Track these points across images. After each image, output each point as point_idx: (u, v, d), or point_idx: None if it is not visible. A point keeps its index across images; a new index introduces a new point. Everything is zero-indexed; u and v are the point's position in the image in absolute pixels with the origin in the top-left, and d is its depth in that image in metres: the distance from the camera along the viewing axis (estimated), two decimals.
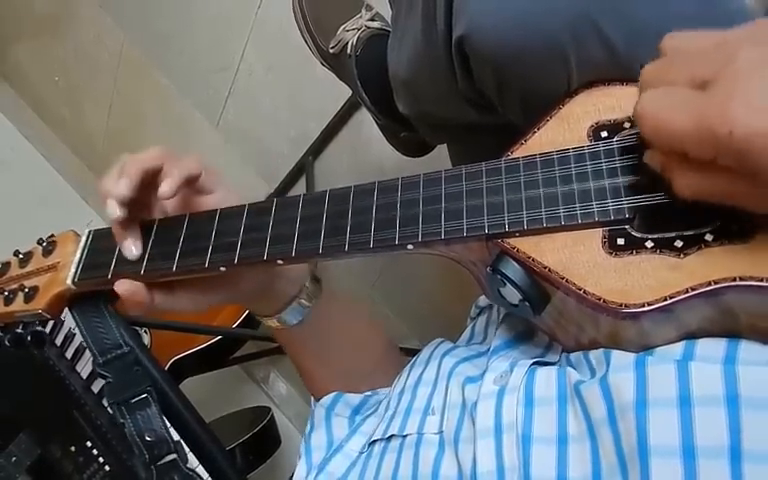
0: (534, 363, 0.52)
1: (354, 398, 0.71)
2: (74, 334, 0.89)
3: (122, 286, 0.56)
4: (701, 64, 0.38)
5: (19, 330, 0.85)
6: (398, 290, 1.66)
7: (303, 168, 1.72)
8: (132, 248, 0.57)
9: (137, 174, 0.55)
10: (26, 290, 0.61)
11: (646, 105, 0.40)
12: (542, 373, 0.50)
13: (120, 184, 0.54)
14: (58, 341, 0.89)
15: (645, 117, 0.40)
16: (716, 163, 0.36)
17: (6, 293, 0.63)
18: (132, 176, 0.55)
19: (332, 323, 0.70)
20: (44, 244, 0.64)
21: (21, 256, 0.65)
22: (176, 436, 0.79)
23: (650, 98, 0.40)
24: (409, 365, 0.66)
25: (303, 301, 0.65)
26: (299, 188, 1.78)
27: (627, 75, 0.51)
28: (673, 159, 0.40)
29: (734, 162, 0.35)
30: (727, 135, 0.34)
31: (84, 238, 0.62)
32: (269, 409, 1.69)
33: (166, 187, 0.55)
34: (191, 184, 0.58)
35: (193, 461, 0.83)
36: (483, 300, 0.74)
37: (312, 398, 0.74)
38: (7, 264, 0.66)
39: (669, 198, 0.43)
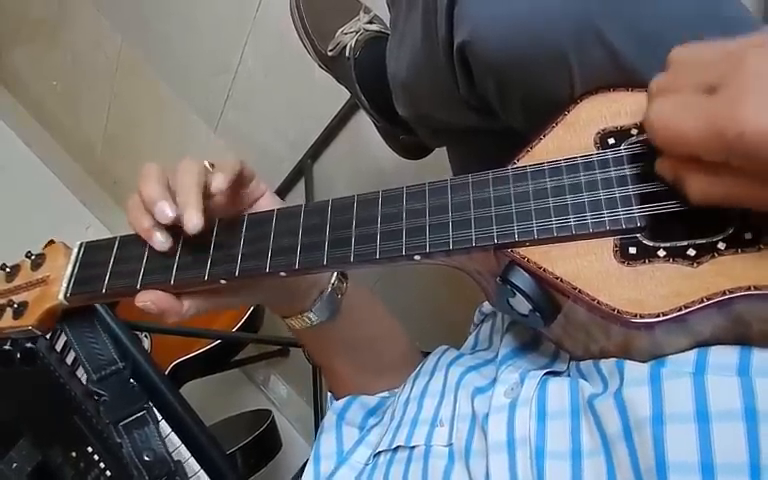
0: (545, 374, 0.51)
1: (370, 400, 0.70)
2: None
3: (145, 297, 0.54)
4: (709, 71, 0.39)
5: (7, 347, 0.82)
6: (398, 294, 1.66)
7: (302, 171, 1.72)
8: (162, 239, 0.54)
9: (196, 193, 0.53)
10: (15, 306, 0.59)
11: (656, 114, 0.41)
12: (554, 385, 0.49)
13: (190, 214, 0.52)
14: (58, 347, 0.88)
15: (655, 125, 0.41)
16: (728, 165, 0.37)
17: None
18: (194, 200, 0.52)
19: (359, 317, 0.69)
20: (32, 257, 0.62)
21: (8, 270, 0.63)
22: (177, 442, 0.79)
23: (659, 106, 0.41)
24: (413, 374, 0.65)
25: (331, 297, 0.64)
26: (298, 190, 1.77)
27: (630, 80, 0.51)
28: (685, 166, 0.40)
29: (745, 162, 0.36)
30: (738, 136, 0.35)
31: (75, 251, 0.60)
32: (270, 412, 1.68)
33: (218, 182, 0.53)
34: (239, 182, 0.57)
35: (195, 466, 0.82)
36: (487, 306, 0.73)
37: (329, 395, 0.73)
38: None
39: (681, 206, 0.43)
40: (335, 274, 0.64)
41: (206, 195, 0.54)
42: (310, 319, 0.64)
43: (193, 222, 0.51)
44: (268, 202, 0.61)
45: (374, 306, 0.73)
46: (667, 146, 0.41)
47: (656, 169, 0.44)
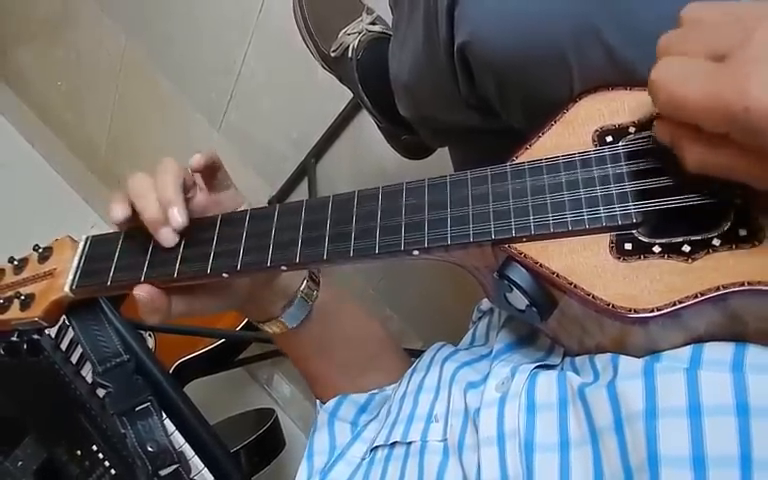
0: (536, 367, 0.52)
1: (360, 397, 0.71)
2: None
3: (142, 291, 0.55)
4: (718, 37, 0.38)
5: (14, 339, 0.82)
6: (401, 291, 1.66)
7: (305, 170, 1.72)
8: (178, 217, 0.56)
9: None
10: (22, 297, 0.60)
11: (661, 74, 0.40)
12: (543, 378, 0.50)
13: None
14: (63, 346, 0.89)
15: (660, 87, 0.39)
16: (727, 138, 0.37)
17: (1, 300, 0.61)
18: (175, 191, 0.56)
19: (332, 319, 0.69)
20: (40, 250, 0.63)
21: (16, 263, 0.64)
22: (180, 441, 0.79)
23: (665, 67, 0.40)
24: (410, 370, 0.65)
25: (303, 300, 0.65)
26: (301, 190, 1.78)
27: (629, 79, 0.51)
28: (684, 132, 0.40)
29: (747, 138, 0.36)
30: (743, 111, 0.34)
31: (82, 244, 0.61)
32: (273, 411, 1.68)
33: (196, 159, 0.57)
34: (213, 172, 0.60)
35: (198, 464, 0.83)
36: (485, 304, 0.74)
37: (317, 401, 0.74)
38: (1, 271, 0.64)
39: (677, 202, 0.43)
40: (305, 282, 0.65)
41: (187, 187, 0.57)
42: (284, 323, 0.65)
43: (177, 221, 0.55)
44: (231, 194, 0.62)
45: (346, 306, 0.74)
46: (668, 111, 0.40)
47: (653, 130, 0.43)
